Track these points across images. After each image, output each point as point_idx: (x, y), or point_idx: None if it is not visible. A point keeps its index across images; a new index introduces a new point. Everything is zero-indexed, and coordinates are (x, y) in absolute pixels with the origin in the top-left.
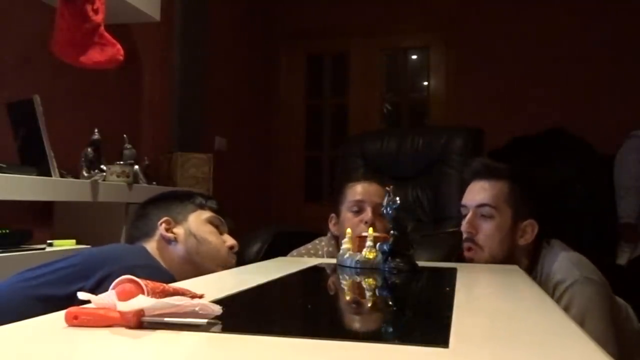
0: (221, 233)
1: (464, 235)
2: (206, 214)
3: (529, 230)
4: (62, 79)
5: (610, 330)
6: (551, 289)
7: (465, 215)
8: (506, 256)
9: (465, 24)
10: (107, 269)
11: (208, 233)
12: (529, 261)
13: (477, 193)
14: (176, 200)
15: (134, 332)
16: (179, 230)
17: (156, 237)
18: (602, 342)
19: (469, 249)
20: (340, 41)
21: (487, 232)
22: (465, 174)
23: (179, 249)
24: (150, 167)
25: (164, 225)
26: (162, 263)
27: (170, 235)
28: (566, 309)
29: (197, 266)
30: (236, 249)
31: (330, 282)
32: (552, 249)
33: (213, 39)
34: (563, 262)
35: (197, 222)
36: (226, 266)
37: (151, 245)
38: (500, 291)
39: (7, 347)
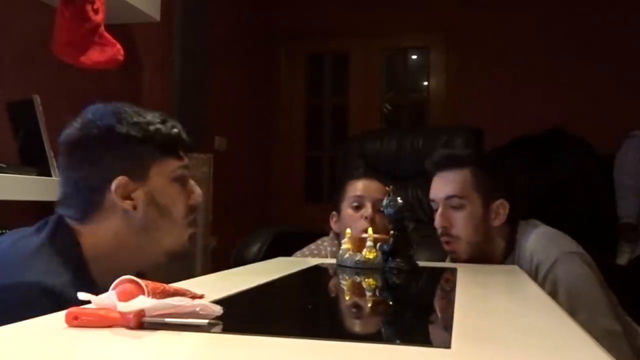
0: (186, 184)
1: (439, 230)
2: (171, 165)
3: (501, 210)
4: (62, 79)
5: (605, 296)
6: (533, 271)
7: (435, 210)
8: (484, 240)
9: (465, 24)
10: None
11: (174, 202)
12: (507, 242)
13: (443, 185)
14: (127, 141)
15: (135, 333)
16: (138, 195)
17: (104, 207)
18: (601, 311)
19: (447, 243)
20: (340, 41)
21: (461, 222)
22: (427, 166)
23: (131, 222)
24: None
25: (119, 190)
26: (94, 242)
27: (127, 205)
28: (554, 291)
29: (145, 247)
30: (199, 202)
31: (331, 282)
32: (526, 227)
33: (213, 39)
34: (538, 240)
35: (162, 181)
36: (178, 252)
37: (92, 217)
38: (501, 291)
39: (7, 347)
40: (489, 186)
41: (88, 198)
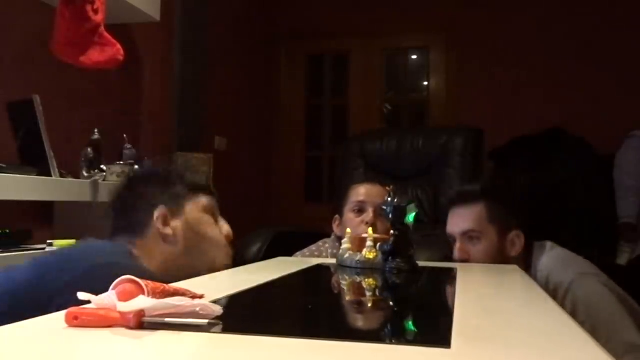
0: (216, 220)
1: (457, 262)
2: (202, 201)
3: (517, 240)
4: (62, 79)
5: (623, 312)
6: (550, 293)
7: (453, 242)
8: None
9: (465, 24)
10: (55, 284)
11: (208, 226)
12: (525, 268)
13: (459, 221)
14: (168, 184)
15: (135, 333)
16: (176, 225)
17: (150, 232)
18: (622, 326)
19: None
20: (340, 41)
21: (479, 254)
22: (444, 202)
23: (176, 247)
24: None
25: (160, 220)
26: (149, 263)
27: (168, 231)
28: (574, 311)
29: (194, 266)
30: (231, 237)
31: (331, 282)
32: (540, 250)
33: (213, 39)
34: (553, 263)
35: (195, 214)
36: (227, 265)
37: (141, 242)
38: (501, 291)
39: (7, 347)
40: (503, 217)
41: (137, 226)
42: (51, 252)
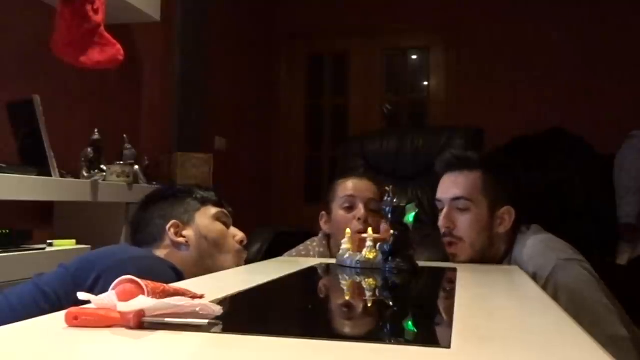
0: (227, 227)
1: (442, 230)
2: (211, 211)
3: (507, 217)
4: (62, 79)
5: (608, 300)
6: (530, 277)
7: (440, 210)
8: (487, 245)
9: (465, 24)
10: (101, 266)
11: (218, 233)
12: (507, 247)
13: (451, 186)
14: (177, 199)
15: (135, 333)
16: (188, 233)
17: (165, 242)
18: (604, 316)
19: (450, 244)
20: (340, 41)
21: (465, 225)
22: (437, 167)
23: (190, 253)
24: (150, 167)
25: (172, 230)
26: None
27: (181, 239)
28: (555, 298)
29: (209, 269)
30: (245, 242)
31: (331, 282)
32: (525, 233)
33: (213, 39)
34: (536, 246)
35: (205, 222)
36: (239, 265)
37: (160, 252)
38: (501, 291)
39: (7, 347)
40: (497, 191)
41: (152, 239)
42: (88, 252)
